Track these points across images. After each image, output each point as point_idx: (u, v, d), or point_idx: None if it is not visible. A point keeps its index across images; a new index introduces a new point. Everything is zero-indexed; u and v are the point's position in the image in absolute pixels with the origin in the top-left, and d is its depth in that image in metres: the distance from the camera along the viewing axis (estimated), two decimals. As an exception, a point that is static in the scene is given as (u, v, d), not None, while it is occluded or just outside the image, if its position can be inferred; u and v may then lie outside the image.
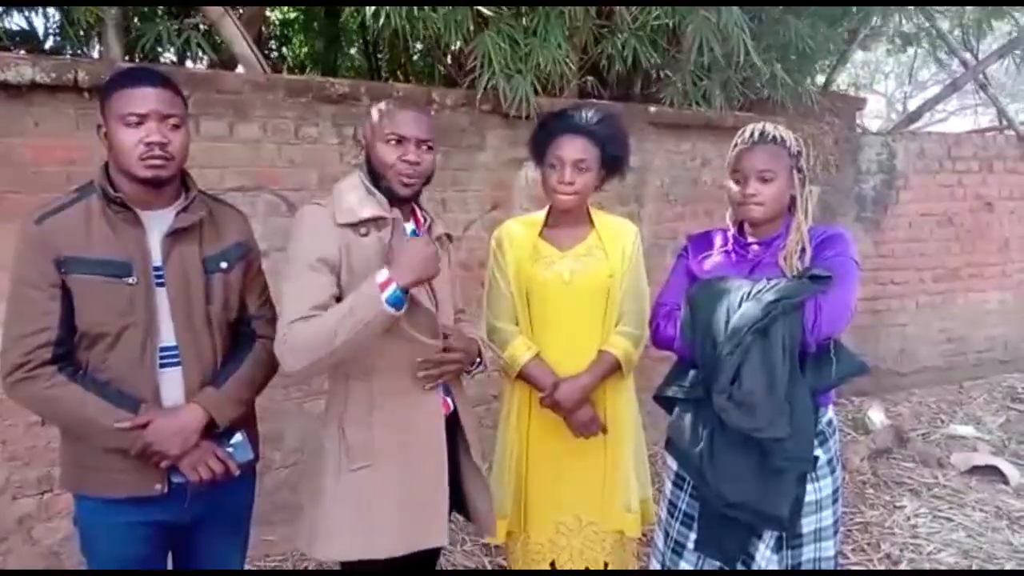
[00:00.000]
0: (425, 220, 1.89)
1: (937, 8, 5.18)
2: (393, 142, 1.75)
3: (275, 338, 1.67)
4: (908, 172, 5.03)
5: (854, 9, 4.66)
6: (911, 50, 6.06)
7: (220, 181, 2.80)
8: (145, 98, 1.56)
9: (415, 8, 3.05)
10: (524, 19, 3.39)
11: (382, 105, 1.82)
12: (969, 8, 5.31)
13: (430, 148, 1.79)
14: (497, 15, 3.31)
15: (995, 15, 5.26)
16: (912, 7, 4.94)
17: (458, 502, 1.96)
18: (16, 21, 3.62)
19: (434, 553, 1.93)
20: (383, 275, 1.62)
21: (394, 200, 1.79)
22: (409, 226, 1.85)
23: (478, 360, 1.92)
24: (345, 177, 1.85)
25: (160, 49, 3.55)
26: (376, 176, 1.79)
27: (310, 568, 2.94)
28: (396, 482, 1.76)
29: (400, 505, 1.76)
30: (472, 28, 3.26)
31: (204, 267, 1.68)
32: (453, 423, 1.90)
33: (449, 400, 1.89)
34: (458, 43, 3.43)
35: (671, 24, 3.65)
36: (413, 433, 1.78)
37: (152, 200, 1.63)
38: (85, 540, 1.71)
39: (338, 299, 1.68)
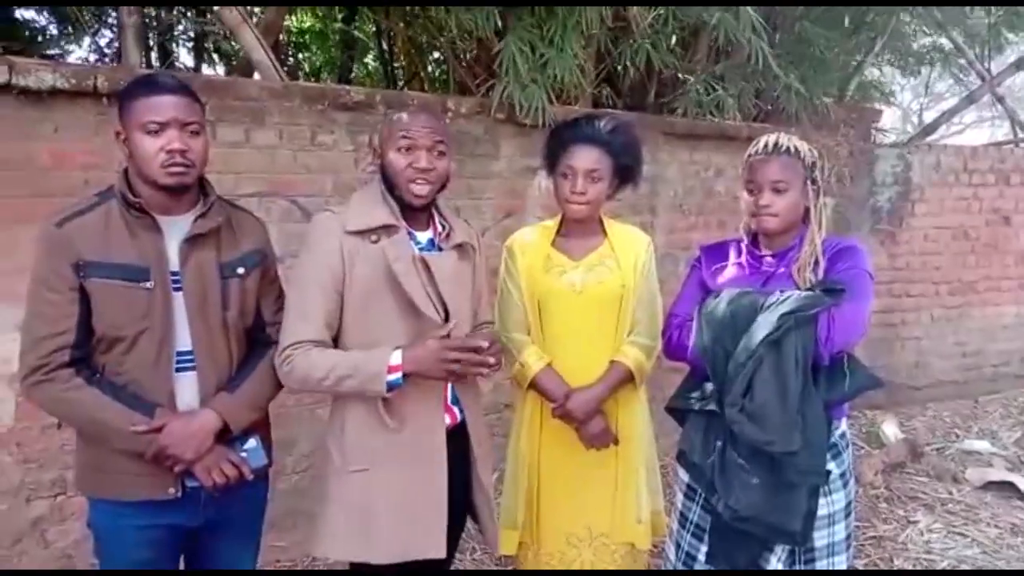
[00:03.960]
0: (444, 228, 1.89)
1: (951, 22, 5.15)
2: (404, 149, 1.76)
3: (277, 353, 1.73)
4: (924, 185, 5.00)
5: (868, 19, 4.65)
6: (925, 68, 6.03)
7: (236, 187, 2.82)
8: (164, 106, 1.57)
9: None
10: (543, 28, 3.41)
11: (395, 114, 1.83)
12: (982, 24, 5.27)
13: (442, 153, 1.80)
14: (517, 21, 3.33)
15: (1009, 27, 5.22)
16: (926, 22, 4.92)
17: (471, 511, 1.97)
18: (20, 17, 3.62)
19: (444, 561, 1.92)
20: (396, 358, 1.67)
21: (409, 209, 1.79)
22: (426, 235, 1.86)
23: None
24: (364, 186, 1.86)
25: (176, 48, 3.57)
26: (390, 185, 1.79)
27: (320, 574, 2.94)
28: (393, 489, 1.77)
29: (397, 512, 1.76)
30: (500, 24, 3.30)
31: (221, 273, 1.69)
32: (463, 433, 1.90)
33: (456, 410, 1.89)
34: (474, 50, 3.45)
35: (691, 22, 3.64)
36: (412, 442, 1.78)
37: (171, 206, 1.65)
38: (98, 543, 1.73)
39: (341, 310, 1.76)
